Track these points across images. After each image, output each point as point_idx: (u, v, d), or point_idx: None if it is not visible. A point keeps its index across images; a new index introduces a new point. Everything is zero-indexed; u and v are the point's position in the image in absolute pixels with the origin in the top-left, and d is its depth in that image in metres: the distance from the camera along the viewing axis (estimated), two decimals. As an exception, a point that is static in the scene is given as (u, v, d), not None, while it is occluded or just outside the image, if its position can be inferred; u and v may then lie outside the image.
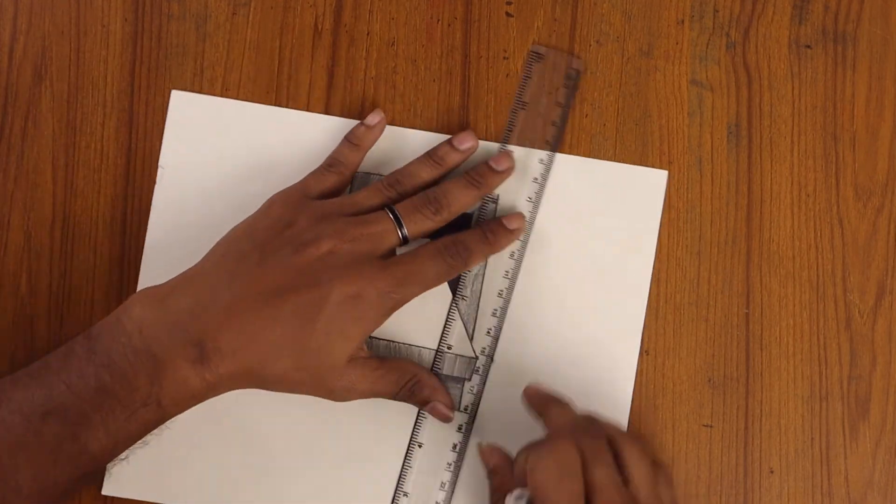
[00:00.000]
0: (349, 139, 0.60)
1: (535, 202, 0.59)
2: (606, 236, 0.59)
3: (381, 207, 0.56)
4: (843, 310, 0.59)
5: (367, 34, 0.62)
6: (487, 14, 0.61)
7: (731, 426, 0.59)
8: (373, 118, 0.60)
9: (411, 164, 0.59)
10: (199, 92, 0.61)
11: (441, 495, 0.58)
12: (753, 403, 0.59)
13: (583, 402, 0.55)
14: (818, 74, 0.60)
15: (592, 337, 0.59)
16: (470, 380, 0.59)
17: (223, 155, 0.61)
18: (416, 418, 0.59)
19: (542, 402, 0.56)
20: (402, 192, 0.57)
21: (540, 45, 0.60)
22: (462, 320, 0.59)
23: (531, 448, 0.50)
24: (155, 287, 0.54)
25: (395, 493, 0.58)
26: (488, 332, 0.59)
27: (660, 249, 0.60)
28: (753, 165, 0.60)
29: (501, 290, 0.59)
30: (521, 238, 0.59)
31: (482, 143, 0.60)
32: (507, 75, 0.61)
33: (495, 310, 0.59)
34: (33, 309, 0.61)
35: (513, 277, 0.59)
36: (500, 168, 0.58)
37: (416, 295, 0.55)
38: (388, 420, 0.59)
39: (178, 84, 0.62)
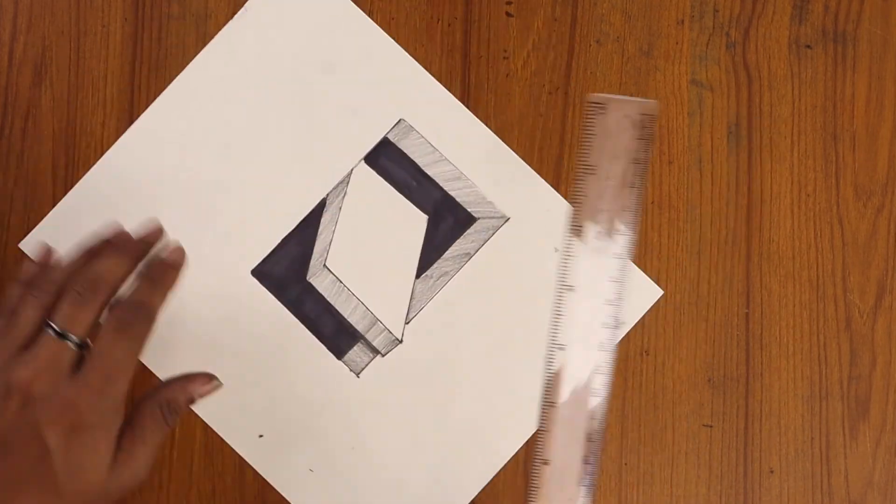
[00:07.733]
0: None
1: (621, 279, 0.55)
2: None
3: (40, 320, 0.50)
4: (843, 310, 0.59)
5: (367, 34, 0.62)
6: (487, 14, 0.61)
7: (731, 426, 0.59)
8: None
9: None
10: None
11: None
12: (753, 403, 0.59)
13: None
14: (818, 74, 0.60)
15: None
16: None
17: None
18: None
19: None
20: (48, 289, 0.51)
21: (599, 94, 0.55)
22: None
23: None
24: None
25: (549, 347, 0.53)
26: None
27: (660, 249, 0.60)
28: (753, 165, 0.60)
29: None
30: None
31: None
32: (507, 75, 0.61)
33: None
34: (33, 309, 0.61)
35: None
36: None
37: (129, 381, 0.50)
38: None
39: (178, 84, 0.62)
